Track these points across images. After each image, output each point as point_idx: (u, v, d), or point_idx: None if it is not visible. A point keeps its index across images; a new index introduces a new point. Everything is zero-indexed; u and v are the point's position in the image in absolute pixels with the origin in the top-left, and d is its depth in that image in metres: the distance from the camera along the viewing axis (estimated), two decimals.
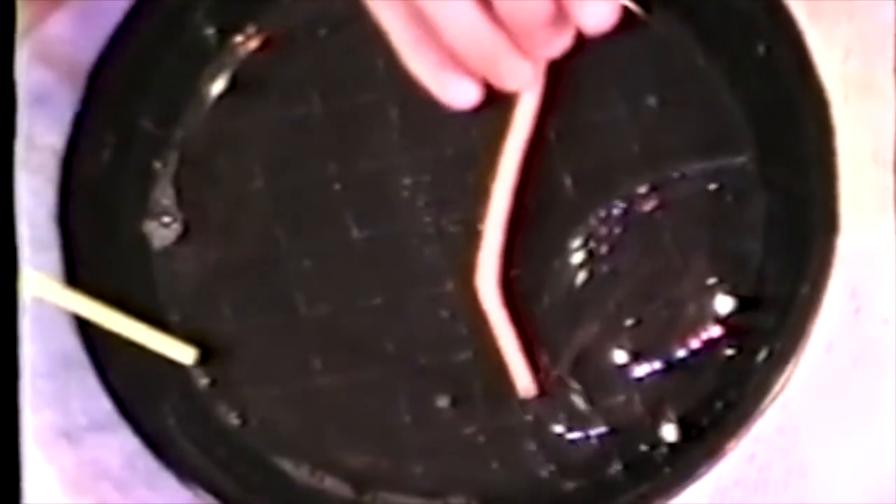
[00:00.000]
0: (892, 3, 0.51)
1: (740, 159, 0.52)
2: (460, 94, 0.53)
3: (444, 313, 0.53)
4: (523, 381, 0.52)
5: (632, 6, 0.53)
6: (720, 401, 0.51)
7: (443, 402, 0.53)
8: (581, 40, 0.52)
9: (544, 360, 0.52)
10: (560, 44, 0.52)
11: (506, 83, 0.52)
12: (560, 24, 0.51)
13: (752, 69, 0.52)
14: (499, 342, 0.52)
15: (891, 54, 0.51)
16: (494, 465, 0.52)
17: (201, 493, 0.52)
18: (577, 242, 0.53)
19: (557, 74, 0.53)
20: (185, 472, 0.53)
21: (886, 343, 0.49)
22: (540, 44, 0.51)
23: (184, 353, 0.54)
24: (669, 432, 0.51)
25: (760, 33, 0.52)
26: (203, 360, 0.54)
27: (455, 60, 0.52)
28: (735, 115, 0.52)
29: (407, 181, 0.54)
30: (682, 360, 0.51)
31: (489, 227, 0.53)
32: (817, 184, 0.51)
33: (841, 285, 0.50)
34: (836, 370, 0.50)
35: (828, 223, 0.51)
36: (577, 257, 0.53)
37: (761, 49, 0.52)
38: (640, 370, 0.52)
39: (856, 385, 0.49)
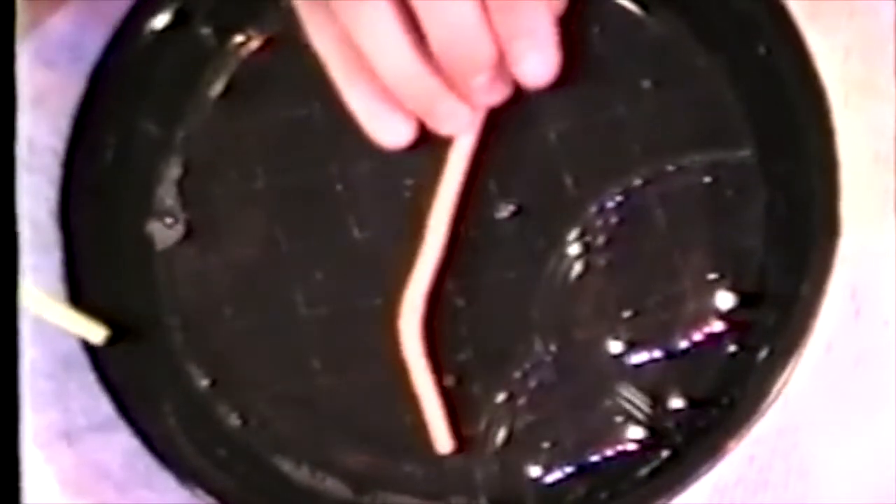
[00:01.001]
0: (892, 2, 0.51)
1: (741, 154, 0.52)
2: (392, 133, 0.52)
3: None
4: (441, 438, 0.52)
5: (630, 5, 0.53)
6: (721, 399, 0.51)
7: None
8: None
9: (541, 354, 0.52)
10: (500, 92, 0.51)
11: (441, 127, 0.52)
12: (500, 72, 0.50)
13: (753, 69, 0.52)
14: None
15: (891, 54, 0.51)
16: (495, 466, 0.52)
17: (201, 493, 0.52)
18: (573, 234, 0.53)
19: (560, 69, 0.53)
20: (184, 472, 0.52)
21: (886, 345, 0.49)
22: (478, 92, 0.50)
23: (94, 333, 0.53)
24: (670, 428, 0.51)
25: (761, 33, 0.52)
26: (203, 360, 0.54)
27: (391, 97, 0.51)
28: (735, 115, 0.52)
29: (408, 182, 0.54)
30: (683, 352, 0.51)
31: (419, 266, 0.52)
32: (818, 184, 0.51)
33: (841, 286, 0.50)
34: (837, 371, 0.50)
35: (828, 224, 0.50)
36: (574, 249, 0.53)
37: (762, 49, 0.52)
38: (638, 358, 0.51)
39: (856, 386, 0.49)
